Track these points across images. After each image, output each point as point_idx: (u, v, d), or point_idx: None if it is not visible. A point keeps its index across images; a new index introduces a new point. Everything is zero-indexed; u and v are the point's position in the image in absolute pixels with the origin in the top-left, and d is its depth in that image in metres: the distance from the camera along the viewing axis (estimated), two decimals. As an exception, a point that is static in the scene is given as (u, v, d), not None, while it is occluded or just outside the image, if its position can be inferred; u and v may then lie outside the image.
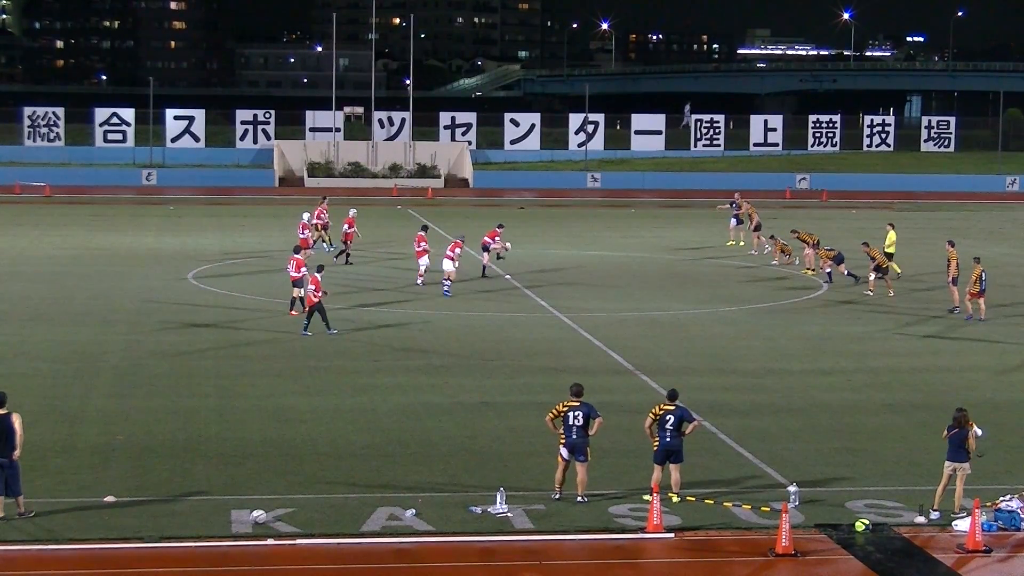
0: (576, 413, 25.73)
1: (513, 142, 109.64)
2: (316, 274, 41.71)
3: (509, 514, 24.85)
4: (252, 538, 23.59)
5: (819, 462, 28.70)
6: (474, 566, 22.97)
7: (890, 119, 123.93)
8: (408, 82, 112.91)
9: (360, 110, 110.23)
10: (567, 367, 37.02)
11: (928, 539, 24.30)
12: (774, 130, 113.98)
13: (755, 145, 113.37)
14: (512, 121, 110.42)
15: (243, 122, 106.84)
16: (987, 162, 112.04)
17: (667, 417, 25.61)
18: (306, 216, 56.43)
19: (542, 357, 39.00)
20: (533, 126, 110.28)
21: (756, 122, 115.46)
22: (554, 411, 26.02)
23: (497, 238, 53.52)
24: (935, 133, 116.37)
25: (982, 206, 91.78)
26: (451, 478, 27.17)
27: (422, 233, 51.80)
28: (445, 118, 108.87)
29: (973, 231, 74.55)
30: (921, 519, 25.06)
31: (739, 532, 24.36)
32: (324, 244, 59.57)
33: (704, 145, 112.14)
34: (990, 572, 23.02)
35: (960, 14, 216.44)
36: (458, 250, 49.24)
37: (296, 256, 45.11)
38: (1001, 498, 25.32)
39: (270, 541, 23.46)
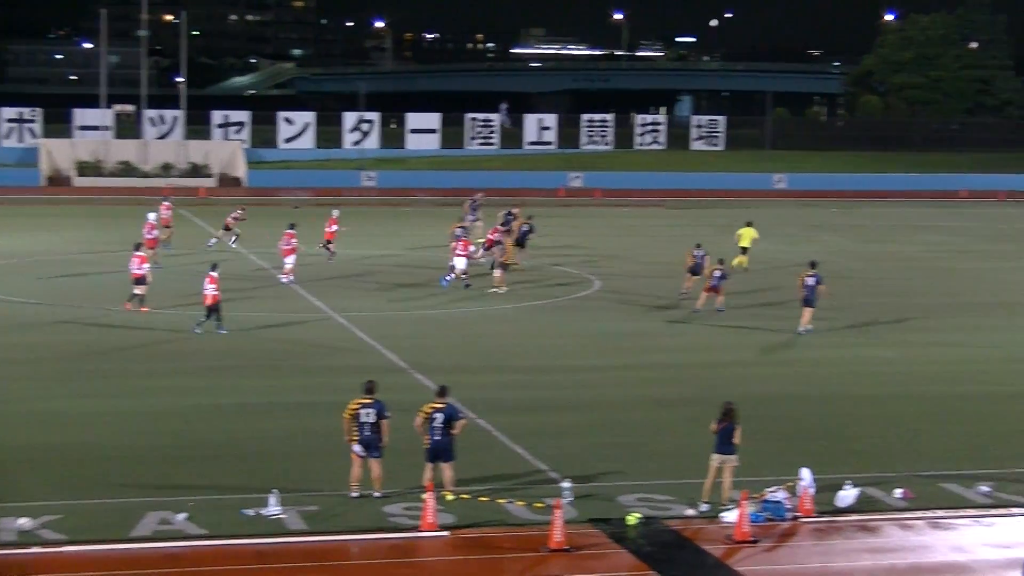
0: (368, 410, 25.78)
1: (288, 140, 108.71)
2: (212, 272, 41.85)
3: (283, 515, 24.67)
4: (16, 546, 23.03)
5: (592, 457, 28.98)
6: (247, 569, 22.74)
7: (661, 118, 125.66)
8: (180, 80, 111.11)
9: (131, 108, 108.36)
10: (342, 367, 36.88)
11: (697, 531, 24.69)
12: (548, 128, 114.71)
13: (530, 144, 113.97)
14: (286, 120, 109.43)
15: (8, 120, 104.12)
16: (755, 160, 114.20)
17: (435, 415, 25.66)
18: (152, 216, 55.76)
19: (317, 357, 38.82)
20: (308, 124, 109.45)
21: (530, 121, 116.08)
22: (349, 410, 25.99)
23: (497, 234, 54.80)
24: (705, 132, 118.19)
25: (751, 203, 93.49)
26: (223, 480, 26.87)
27: (291, 231, 51.98)
28: (218, 116, 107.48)
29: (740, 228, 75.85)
30: (691, 511, 25.48)
31: (513, 529, 24.48)
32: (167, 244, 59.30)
33: (479, 144, 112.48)
34: (757, 562, 23.46)
35: (728, 15, 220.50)
36: (471, 248, 51.27)
37: (138, 253, 45.11)
38: (767, 489, 25.85)
39: (35, 549, 22.94)
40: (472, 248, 52.14)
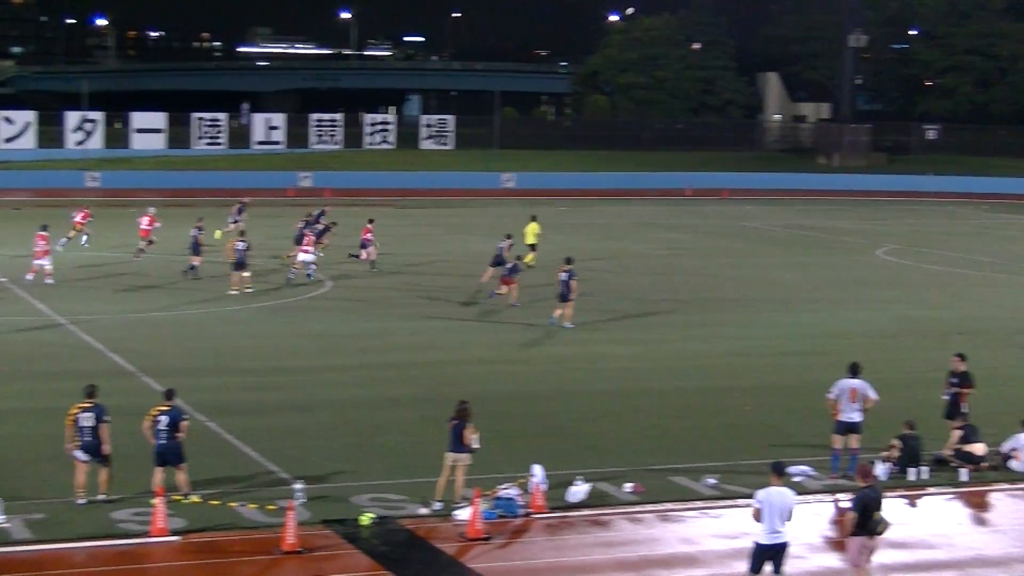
0: (88, 415, 25.33)
1: (7, 140, 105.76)
2: None
3: (7, 524, 23.99)
4: None
5: (324, 458, 28.81)
6: (-31, 581, 22.10)
7: (391, 118, 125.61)
8: None
9: None
10: (66, 371, 36.00)
11: (431, 529, 24.73)
12: (276, 128, 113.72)
13: (258, 143, 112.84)
14: (6, 119, 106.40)
15: None
16: (484, 160, 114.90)
17: (160, 418, 25.38)
18: None
19: (40, 362, 37.88)
20: (28, 124, 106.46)
21: (258, 120, 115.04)
22: (69, 415, 25.43)
23: (370, 234, 56.62)
24: (434, 131, 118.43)
25: (480, 202, 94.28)
26: (-56, 490, 26.06)
27: (43, 232, 51.18)
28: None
29: (469, 226, 76.36)
30: (424, 510, 25.50)
31: (245, 532, 24.21)
32: None
33: (207, 144, 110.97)
34: (490, 559, 23.57)
35: (456, 15, 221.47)
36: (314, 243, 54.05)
37: None
38: (500, 487, 26.02)
39: None
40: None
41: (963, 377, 31.23)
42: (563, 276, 44.59)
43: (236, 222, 62.03)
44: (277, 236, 64.03)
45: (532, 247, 58.14)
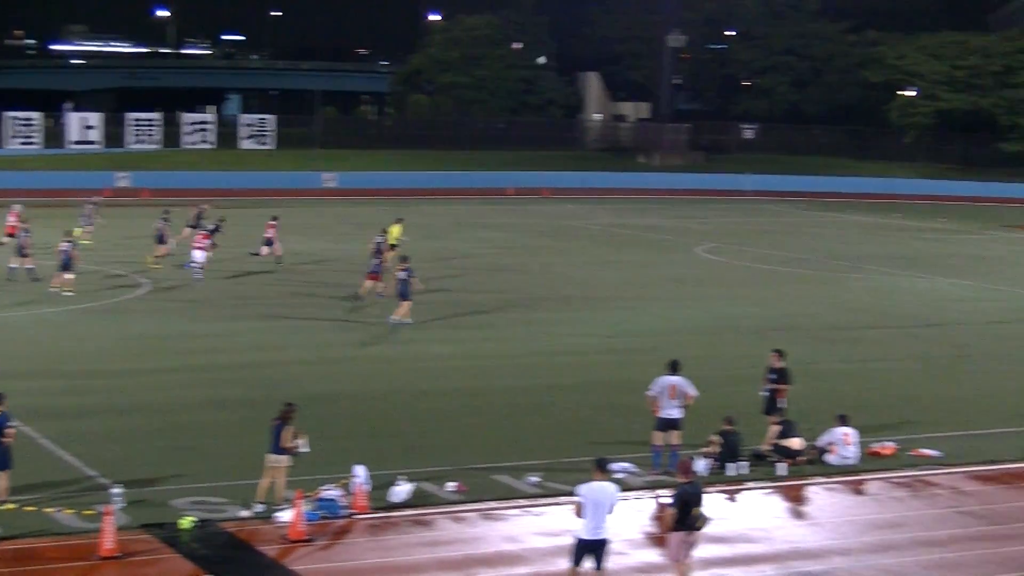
0: None
1: None
2: None
3: None
4: None
5: (144, 462, 28.42)
6: None
7: (210, 117, 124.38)
8: None
9: None
10: None
11: (253, 532, 24.50)
12: (92, 128, 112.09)
13: (73, 143, 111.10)
14: None
15: None
16: (305, 159, 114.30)
17: (-12, 422, 24.94)
18: None
19: None
20: None
21: (74, 119, 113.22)
22: None
23: (273, 231, 58.46)
24: (255, 131, 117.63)
25: (301, 202, 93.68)
26: None
27: None
28: None
29: (291, 226, 75.82)
30: (246, 513, 25.26)
31: (62, 538, 23.77)
32: None
33: (20, 143, 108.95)
34: (313, 560, 23.42)
35: (277, 14, 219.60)
36: (207, 241, 54.62)
37: None
38: (322, 488, 25.88)
39: None
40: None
41: (780, 373, 31.73)
42: (402, 275, 45.20)
43: (90, 222, 62.32)
44: (98, 237, 63.20)
45: (393, 247, 58.32)
